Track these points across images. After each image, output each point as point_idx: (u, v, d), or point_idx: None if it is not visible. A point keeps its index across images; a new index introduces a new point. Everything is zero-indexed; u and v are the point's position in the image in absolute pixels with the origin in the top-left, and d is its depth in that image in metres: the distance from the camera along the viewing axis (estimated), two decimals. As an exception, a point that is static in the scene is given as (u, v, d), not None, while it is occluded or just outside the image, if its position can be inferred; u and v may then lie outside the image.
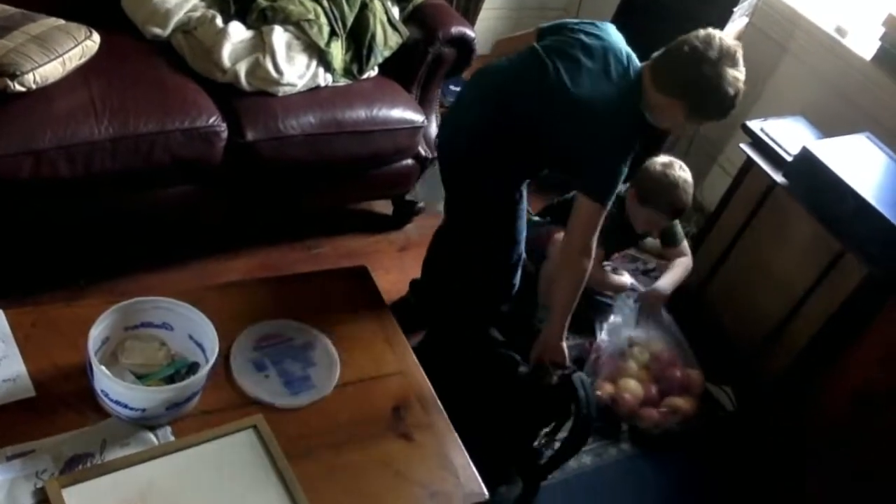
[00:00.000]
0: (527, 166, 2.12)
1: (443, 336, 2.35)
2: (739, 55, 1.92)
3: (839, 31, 3.06)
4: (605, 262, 2.79)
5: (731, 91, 1.91)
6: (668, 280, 2.82)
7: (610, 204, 1.99)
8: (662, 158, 2.69)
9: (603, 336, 2.66)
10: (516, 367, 2.11)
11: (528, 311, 2.52)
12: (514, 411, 2.13)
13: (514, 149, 2.03)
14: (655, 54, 1.99)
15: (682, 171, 2.66)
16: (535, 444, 2.20)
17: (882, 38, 2.88)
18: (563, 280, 2.08)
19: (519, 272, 2.32)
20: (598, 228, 2.01)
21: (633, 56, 2.03)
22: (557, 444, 2.17)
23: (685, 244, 2.94)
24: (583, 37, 2.01)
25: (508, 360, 2.13)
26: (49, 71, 2.03)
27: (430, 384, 1.88)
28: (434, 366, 1.94)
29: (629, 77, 1.98)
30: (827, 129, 2.83)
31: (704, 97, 1.92)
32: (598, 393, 2.54)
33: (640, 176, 2.66)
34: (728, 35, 2.00)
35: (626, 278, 2.84)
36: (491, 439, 1.90)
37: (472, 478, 1.71)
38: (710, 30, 1.94)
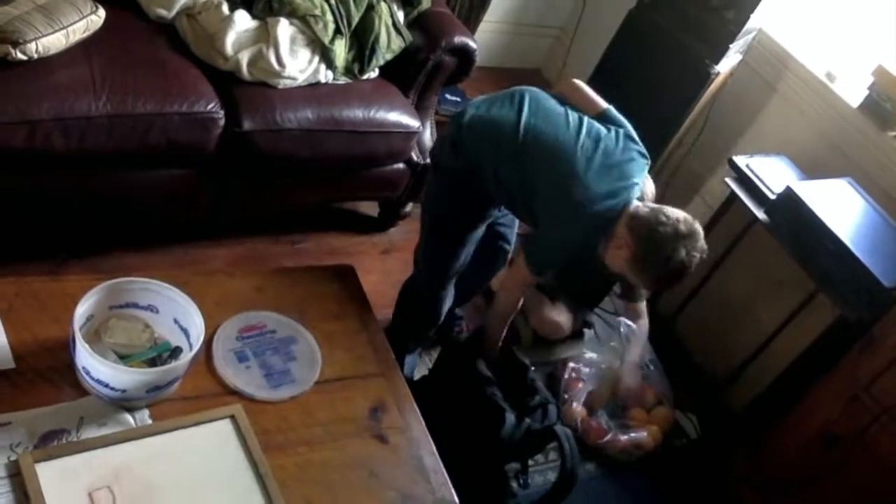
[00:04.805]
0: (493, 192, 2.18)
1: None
2: (699, 249, 1.99)
3: (829, 76, 3.12)
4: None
5: (675, 263, 1.97)
6: (633, 356, 2.73)
7: (538, 277, 2.18)
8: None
9: (579, 361, 2.69)
10: (502, 420, 2.13)
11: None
12: (493, 452, 2.17)
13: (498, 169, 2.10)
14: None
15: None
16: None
17: (870, 88, 2.95)
18: (494, 305, 2.34)
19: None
20: (522, 290, 2.25)
21: (636, 191, 2.07)
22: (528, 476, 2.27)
23: (644, 304, 2.79)
24: (627, 145, 2.08)
25: (496, 410, 2.15)
26: (52, 42, 2.02)
27: (408, 388, 1.90)
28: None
29: (619, 205, 2.03)
30: (810, 170, 2.90)
31: (651, 254, 1.97)
32: (572, 412, 2.57)
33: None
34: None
35: (563, 319, 2.79)
36: (461, 462, 1.92)
37: (443, 484, 1.73)
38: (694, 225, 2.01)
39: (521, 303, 2.31)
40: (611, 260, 2.09)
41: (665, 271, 2.00)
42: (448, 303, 2.45)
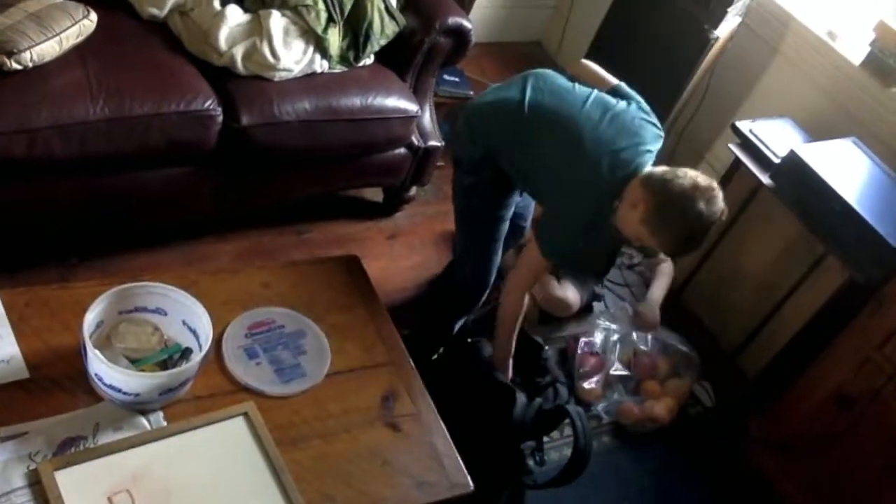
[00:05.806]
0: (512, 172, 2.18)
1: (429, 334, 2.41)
2: (719, 205, 1.90)
3: (830, 34, 3.09)
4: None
5: (692, 218, 1.87)
6: (656, 293, 2.79)
7: (551, 263, 2.16)
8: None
9: (593, 334, 2.70)
10: (514, 400, 2.14)
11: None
12: (506, 432, 2.19)
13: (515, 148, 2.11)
14: None
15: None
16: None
17: (872, 44, 2.91)
18: (501, 310, 2.26)
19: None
20: (537, 278, 2.23)
21: (648, 159, 2.01)
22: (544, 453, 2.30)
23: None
24: (639, 115, 2.08)
25: (506, 391, 2.16)
26: (46, 49, 2.02)
27: (418, 374, 1.91)
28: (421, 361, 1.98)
29: (630, 168, 1.98)
30: (814, 131, 2.87)
31: (668, 205, 1.87)
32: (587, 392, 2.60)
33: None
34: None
35: (571, 295, 2.74)
36: (476, 443, 1.94)
37: (457, 468, 1.75)
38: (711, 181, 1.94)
39: (526, 302, 2.22)
40: (623, 222, 1.96)
41: (683, 227, 1.87)
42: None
